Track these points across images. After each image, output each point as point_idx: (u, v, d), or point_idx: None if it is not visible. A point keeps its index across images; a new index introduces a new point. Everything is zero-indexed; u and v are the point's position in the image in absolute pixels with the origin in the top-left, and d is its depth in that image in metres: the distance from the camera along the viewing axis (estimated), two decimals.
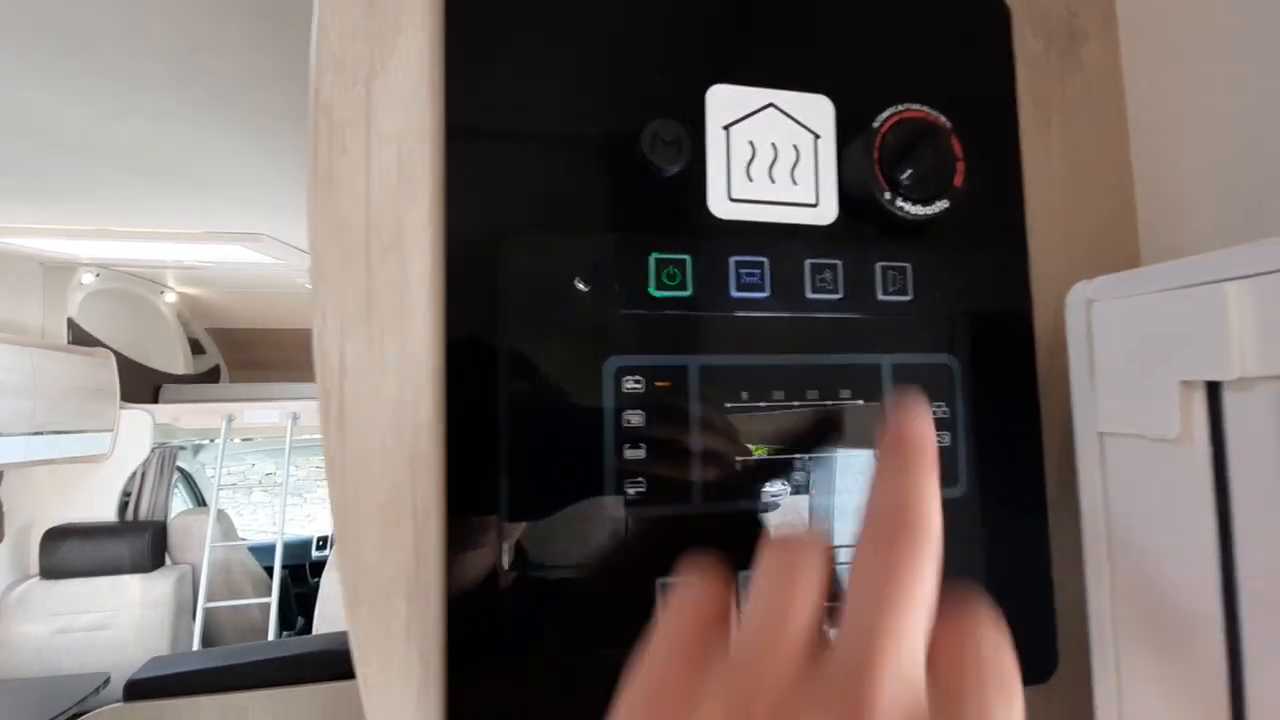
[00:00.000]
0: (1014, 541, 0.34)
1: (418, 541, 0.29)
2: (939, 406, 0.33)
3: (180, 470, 3.79)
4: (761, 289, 0.32)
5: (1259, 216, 0.34)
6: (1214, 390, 0.26)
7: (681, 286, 0.31)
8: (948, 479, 0.33)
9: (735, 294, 0.32)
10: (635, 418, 0.30)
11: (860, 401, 0.32)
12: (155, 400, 3.60)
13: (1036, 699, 0.36)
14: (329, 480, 0.29)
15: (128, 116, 1.57)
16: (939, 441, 0.33)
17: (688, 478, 0.30)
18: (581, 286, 0.30)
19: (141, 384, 3.56)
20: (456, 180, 0.30)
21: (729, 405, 0.31)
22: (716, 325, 0.31)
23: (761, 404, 0.31)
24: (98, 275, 3.36)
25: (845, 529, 0.32)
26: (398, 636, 0.29)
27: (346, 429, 0.29)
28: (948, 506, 0.33)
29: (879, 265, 0.33)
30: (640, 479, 0.29)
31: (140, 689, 1.50)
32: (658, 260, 0.31)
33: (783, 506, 0.31)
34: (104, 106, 1.51)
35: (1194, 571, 0.26)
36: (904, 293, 0.34)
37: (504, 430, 0.29)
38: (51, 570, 2.74)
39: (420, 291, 0.30)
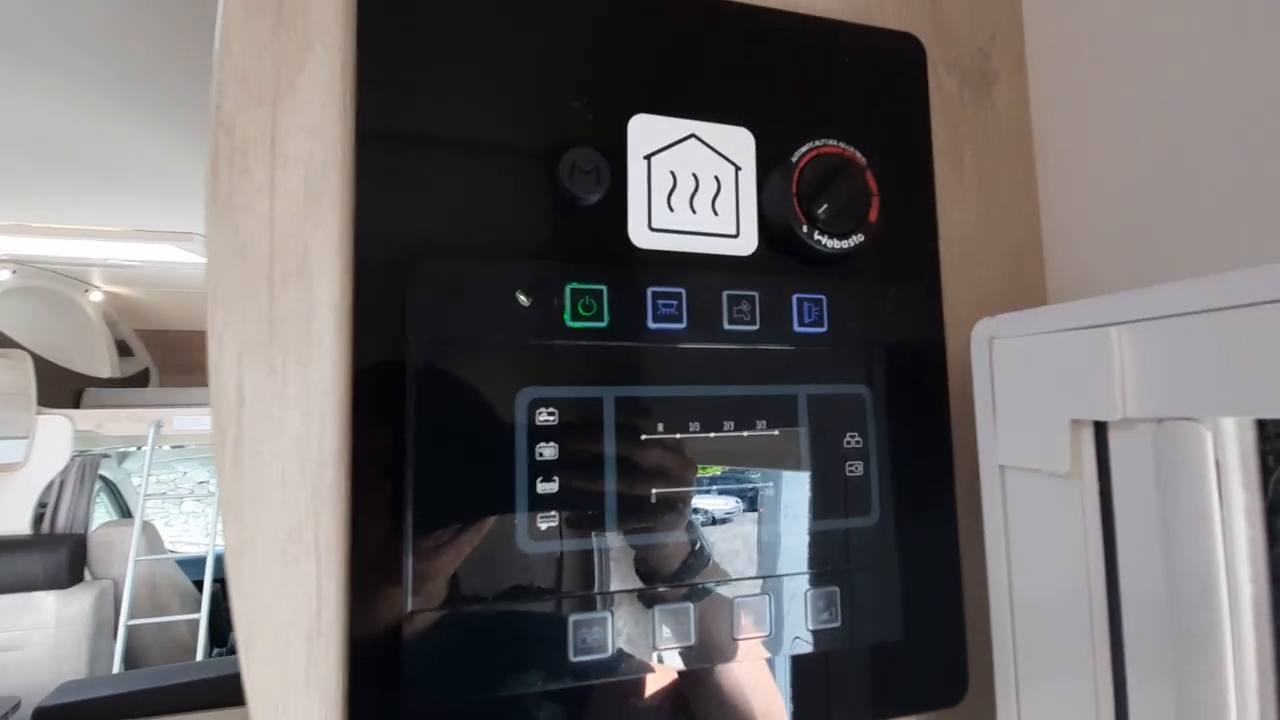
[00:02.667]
0: (926, 568, 0.35)
1: (320, 581, 0.28)
2: (852, 436, 0.34)
3: (104, 479, 3.59)
4: (679, 320, 0.32)
5: (1159, 255, 0.36)
6: (1101, 429, 0.27)
7: (598, 317, 0.31)
8: (860, 507, 0.34)
9: (652, 325, 0.32)
10: (548, 450, 0.29)
11: (775, 432, 0.33)
12: (77, 405, 3.40)
13: (951, 715, 0.37)
14: (223, 518, 0.28)
15: (48, 107, 1.48)
16: (851, 471, 0.34)
17: (602, 511, 0.30)
18: (496, 315, 0.30)
19: (62, 388, 3.36)
20: (366, 205, 0.29)
21: (645, 437, 0.31)
22: (633, 356, 0.31)
23: (678, 435, 0.31)
24: (14, 272, 3.16)
25: (765, 557, 0.32)
26: (296, 681, 0.28)
27: (244, 463, 0.28)
28: (860, 535, 0.34)
29: (795, 297, 0.34)
30: (552, 512, 0.29)
31: (50, 716, 1.41)
32: (574, 290, 0.31)
33: (701, 536, 0.31)
34: (21, 97, 1.43)
35: (1084, 600, 0.27)
36: (820, 324, 0.34)
37: (412, 464, 0.28)
38: None
39: (326, 319, 0.29)
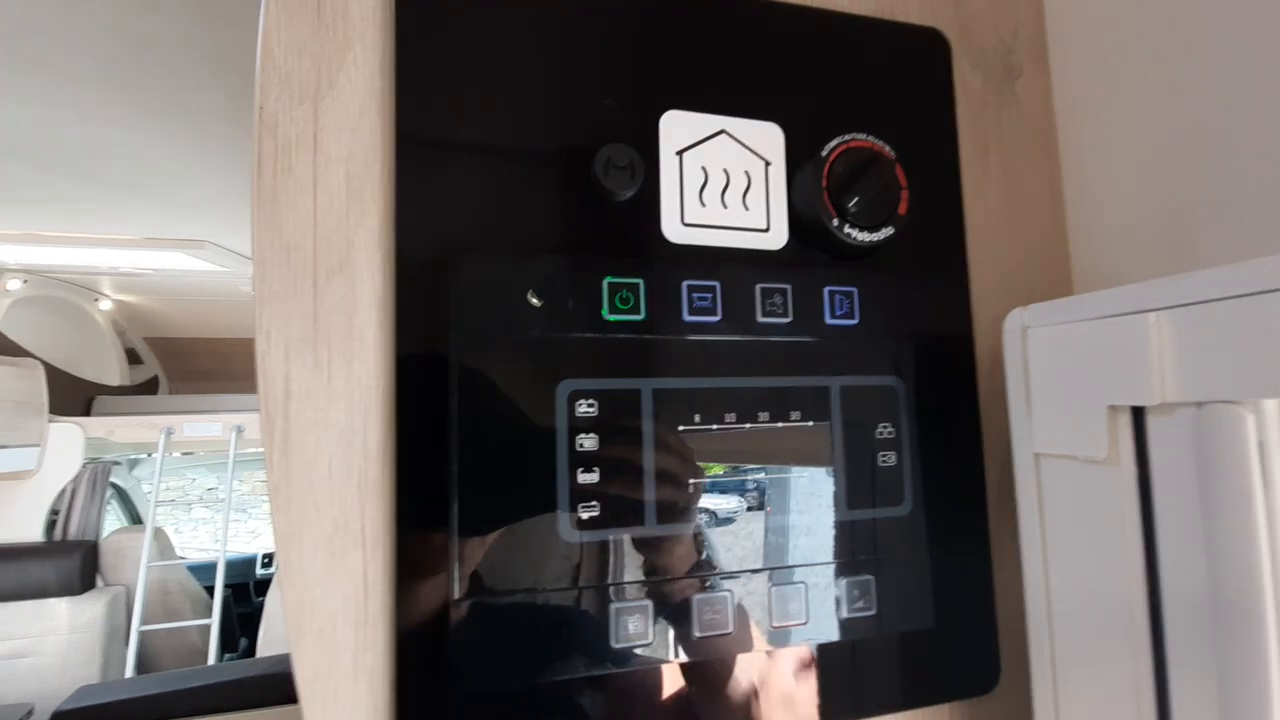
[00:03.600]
0: (957, 557, 0.35)
1: (366, 571, 0.29)
2: (885, 427, 0.34)
3: (115, 486, 3.61)
4: (713, 313, 0.32)
5: (1184, 244, 0.36)
6: (1139, 414, 0.27)
7: (634, 310, 0.31)
8: (893, 497, 0.34)
9: (688, 318, 0.32)
10: (588, 441, 0.30)
11: (809, 423, 0.33)
12: (88, 413, 3.43)
13: (980, 711, 0.37)
14: (272, 509, 0.28)
15: (58, 116, 1.50)
16: (884, 461, 0.34)
17: (641, 500, 0.30)
18: (535, 309, 0.30)
19: (73, 396, 3.38)
20: (407, 202, 0.30)
21: (682, 428, 0.31)
22: (669, 348, 0.32)
23: (714, 426, 0.32)
24: (25, 282, 3.19)
25: (800, 546, 0.32)
26: (344, 669, 0.28)
27: (291, 455, 0.28)
28: (892, 525, 0.34)
29: (827, 289, 0.34)
30: (594, 502, 0.29)
31: None
32: (611, 284, 0.31)
33: (737, 525, 0.31)
34: (32, 105, 1.44)
35: (1122, 587, 0.28)
36: (851, 316, 0.34)
37: (456, 455, 0.29)
38: None
39: (369, 314, 0.30)
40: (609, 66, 0.33)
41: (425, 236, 0.30)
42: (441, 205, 0.30)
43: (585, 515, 0.29)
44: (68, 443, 2.94)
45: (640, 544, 0.30)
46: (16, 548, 2.71)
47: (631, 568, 0.30)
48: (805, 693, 0.32)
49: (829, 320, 0.34)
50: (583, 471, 0.29)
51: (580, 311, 0.31)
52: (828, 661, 0.33)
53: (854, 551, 0.33)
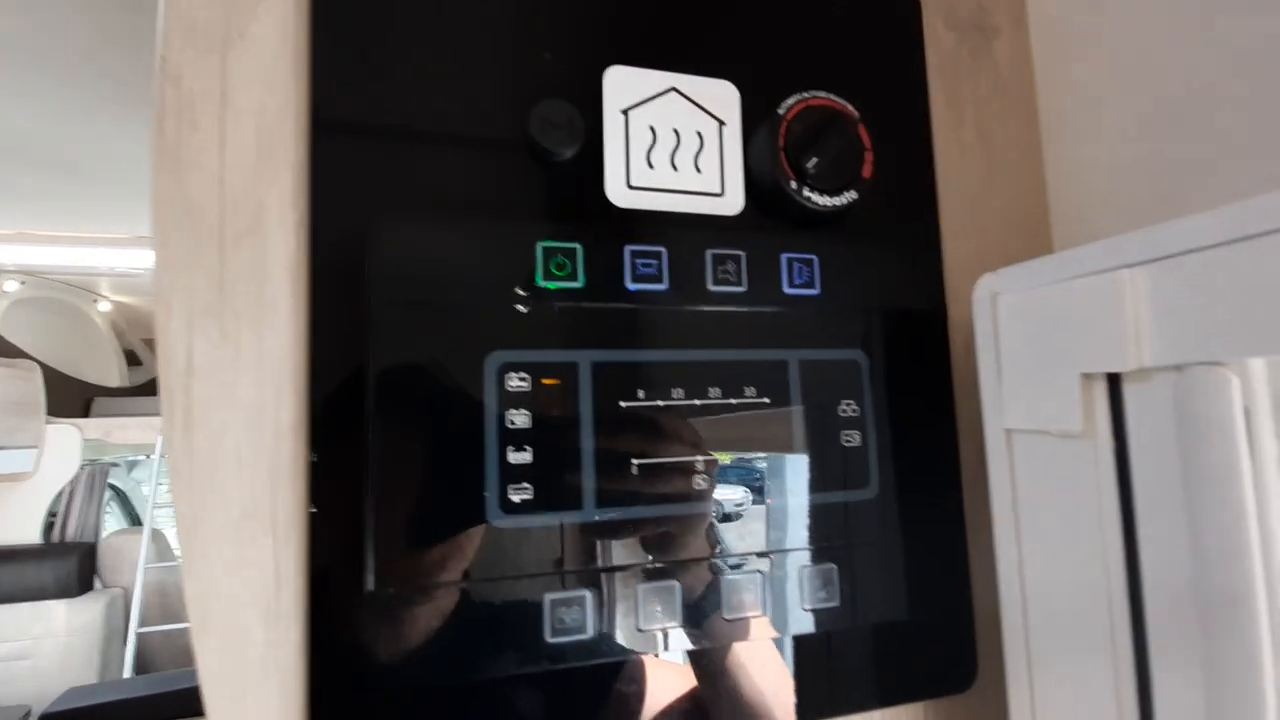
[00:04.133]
0: (929, 545, 0.33)
1: (278, 560, 0.26)
2: (848, 404, 0.32)
3: (113, 488, 3.60)
4: (659, 280, 0.30)
5: (1171, 210, 0.34)
6: (1115, 383, 0.25)
7: (572, 277, 0.29)
8: (858, 480, 0.32)
9: (631, 285, 0.30)
10: (519, 418, 0.27)
11: (766, 400, 0.31)
12: (86, 414, 3.42)
13: (956, 710, 0.35)
14: (173, 492, 0.26)
15: (46, 112, 1.48)
16: (848, 441, 0.32)
17: (578, 483, 0.28)
18: (461, 276, 0.28)
19: (71, 397, 3.38)
20: (324, 159, 0.28)
21: (624, 404, 0.29)
22: (610, 318, 0.29)
23: (660, 402, 0.29)
24: (23, 283, 3.18)
25: (756, 532, 0.30)
26: (253, 668, 0.26)
27: (194, 434, 0.26)
28: (859, 509, 0.32)
29: (785, 256, 0.32)
30: (525, 484, 0.27)
31: None
32: (546, 248, 0.29)
33: (685, 510, 0.29)
34: (20, 101, 1.43)
35: (1100, 572, 0.25)
36: (811, 286, 0.32)
37: (375, 435, 0.26)
38: None
39: (281, 281, 0.27)
40: (547, 17, 0.31)
41: (343, 197, 0.27)
42: (361, 163, 0.28)
43: (517, 499, 0.27)
44: (65, 444, 2.93)
45: (577, 530, 0.28)
46: (14, 549, 2.71)
47: (568, 556, 0.27)
48: (763, 692, 0.30)
49: (787, 290, 0.32)
50: (513, 451, 0.27)
51: (512, 278, 0.28)
52: (790, 657, 0.30)
53: (817, 538, 0.31)
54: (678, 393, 0.29)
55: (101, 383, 3.65)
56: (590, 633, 0.27)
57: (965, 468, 0.35)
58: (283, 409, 0.27)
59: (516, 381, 0.28)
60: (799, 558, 0.30)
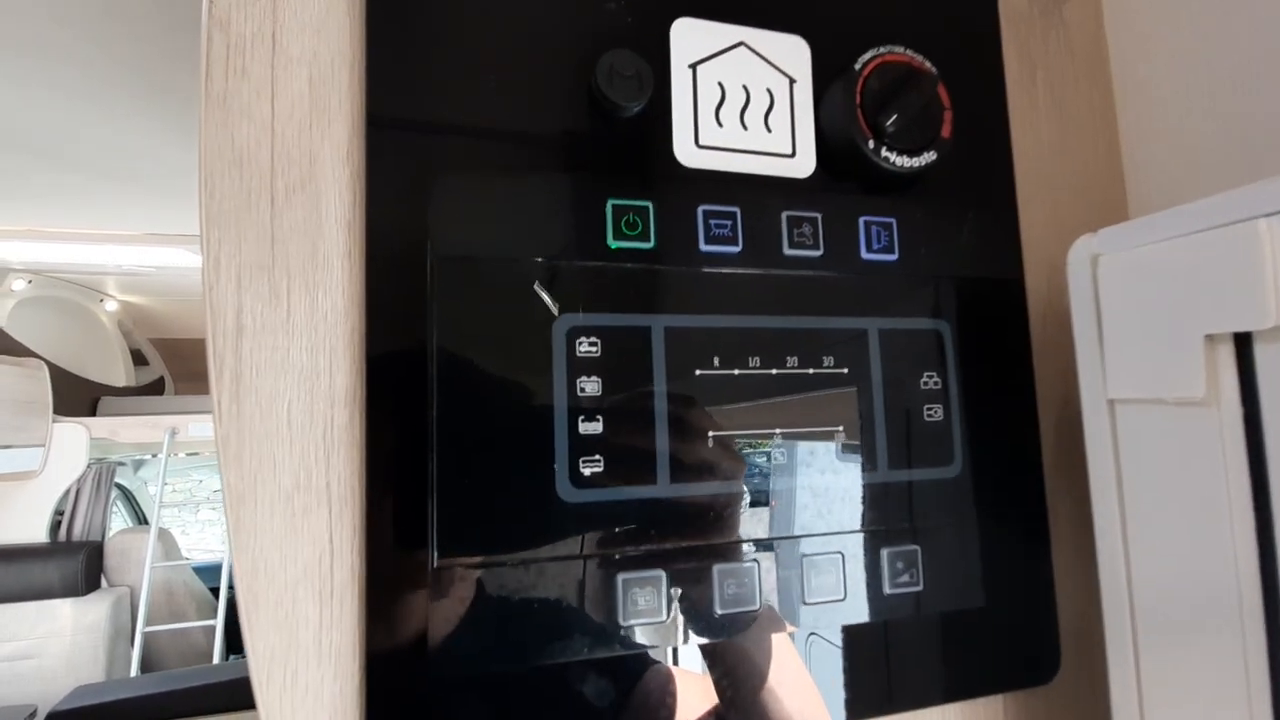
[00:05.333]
0: (1012, 528, 0.31)
1: (333, 535, 0.25)
2: (930, 377, 0.30)
3: (120, 487, 3.59)
4: (733, 242, 0.28)
5: (1249, 174, 0.32)
6: (1244, 343, 0.23)
7: (643, 237, 0.27)
8: (941, 457, 0.30)
9: (704, 247, 0.28)
10: (590, 385, 0.26)
11: (845, 370, 0.29)
12: (93, 414, 3.42)
13: (1037, 705, 0.33)
14: (222, 462, 0.24)
15: (52, 105, 1.47)
16: (930, 415, 0.30)
17: (653, 455, 0.26)
18: (527, 234, 0.26)
19: (77, 396, 3.37)
20: (381, 111, 0.26)
21: (699, 372, 0.27)
22: (683, 282, 0.27)
23: (736, 371, 0.27)
24: (30, 282, 3.18)
25: (836, 511, 0.28)
26: (306, 649, 0.24)
27: (244, 400, 0.24)
28: (939, 489, 0.30)
29: (863, 220, 0.30)
30: (597, 456, 0.25)
31: None
32: (616, 206, 0.27)
33: (765, 486, 0.27)
34: (25, 93, 1.42)
35: (1226, 553, 0.23)
36: (890, 251, 0.30)
37: (437, 401, 0.24)
38: None
39: (335, 237, 0.26)
40: None
41: (401, 150, 0.26)
42: (420, 114, 0.26)
43: (587, 471, 0.25)
44: (72, 443, 2.92)
45: (652, 506, 0.26)
46: (20, 548, 2.70)
47: (642, 533, 0.26)
48: (840, 680, 0.28)
49: (865, 255, 0.30)
50: (584, 421, 0.25)
51: (581, 237, 0.27)
52: (866, 645, 0.28)
53: (897, 519, 0.29)
54: (754, 361, 0.28)
55: (108, 382, 3.64)
56: (664, 616, 0.25)
57: (1045, 446, 0.33)
58: (337, 374, 0.25)
59: (587, 347, 0.26)
60: (879, 538, 0.28)
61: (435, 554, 0.24)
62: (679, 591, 0.26)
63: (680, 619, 0.26)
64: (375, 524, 0.24)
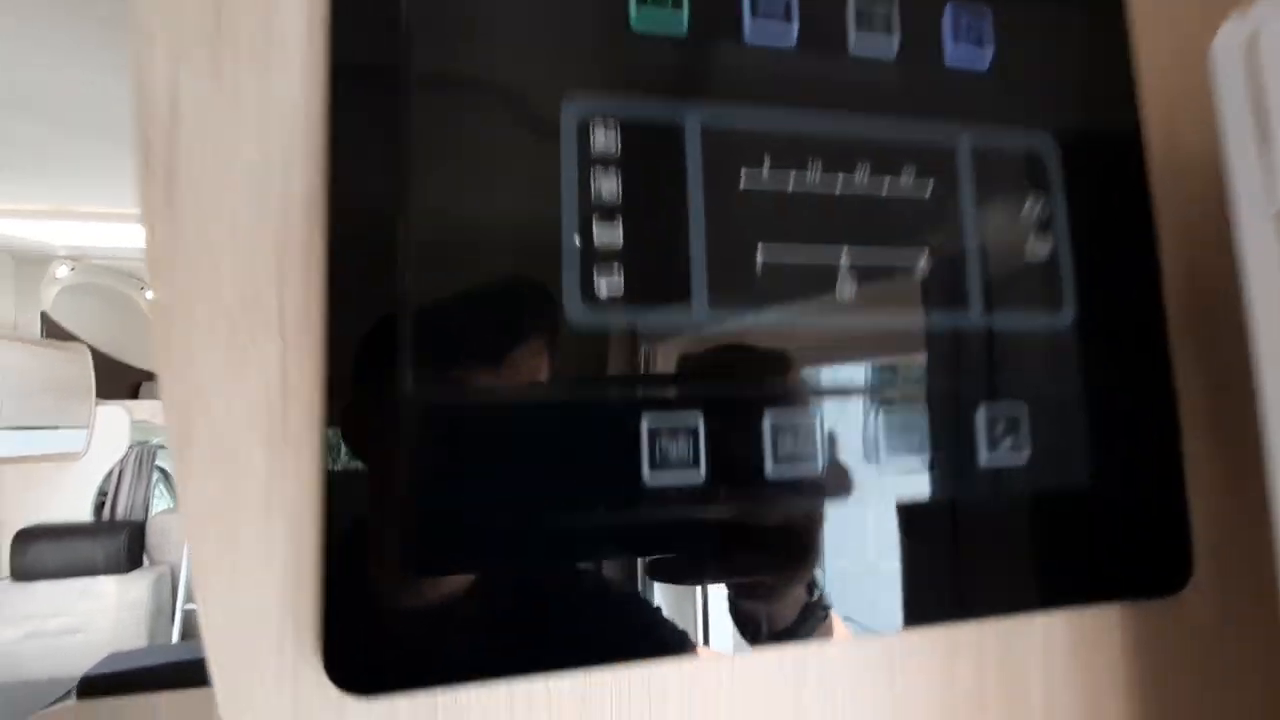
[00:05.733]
0: (1135, 394, 0.25)
1: (286, 367, 0.20)
2: (1035, 202, 0.24)
3: (161, 470, 3.67)
4: (787, 18, 0.22)
5: None
6: None
7: (675, 12, 0.22)
8: (1048, 301, 0.24)
9: (751, 26, 0.22)
10: (608, 184, 0.20)
11: (929, 186, 0.23)
12: (135, 398, 3.49)
13: (1160, 623, 0.27)
14: (151, 276, 0.20)
15: (85, 70, 1.46)
16: (1035, 250, 0.24)
17: (687, 272, 0.20)
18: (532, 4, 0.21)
19: (119, 381, 3.45)
20: None
21: (745, 179, 0.21)
22: (724, 67, 0.22)
23: (791, 180, 0.22)
24: (73, 269, 3.25)
25: (919, 358, 0.22)
26: (251, 504, 0.19)
27: (179, 201, 0.20)
28: (1047, 339, 0.24)
29: (950, 7, 0.24)
30: (615, 268, 0.20)
31: (96, 686, 1.39)
32: None
33: (829, 320, 0.22)
34: (60, 57, 1.41)
35: None
36: (982, 45, 0.24)
37: (415, 200, 0.19)
38: (22, 572, 2.63)
39: (293, 5, 0.21)
40: None
41: None
42: None
43: (604, 288, 0.20)
44: (114, 425, 2.99)
45: (685, 335, 0.20)
46: (66, 527, 2.77)
47: (672, 368, 0.20)
48: (916, 571, 0.22)
49: (951, 48, 0.24)
50: (600, 224, 0.20)
51: (598, 11, 0.21)
52: (951, 528, 0.23)
53: (997, 375, 0.23)
54: (814, 167, 0.22)
55: (149, 368, 3.72)
56: (703, 475, 0.20)
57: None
58: (294, 173, 0.20)
59: (603, 136, 0.20)
60: (974, 395, 0.23)
61: (411, 385, 0.19)
62: (720, 445, 0.20)
63: (720, 479, 0.20)
64: (338, 354, 0.19)
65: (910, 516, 0.22)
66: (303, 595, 0.19)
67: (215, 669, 0.19)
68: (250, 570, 0.19)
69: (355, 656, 0.18)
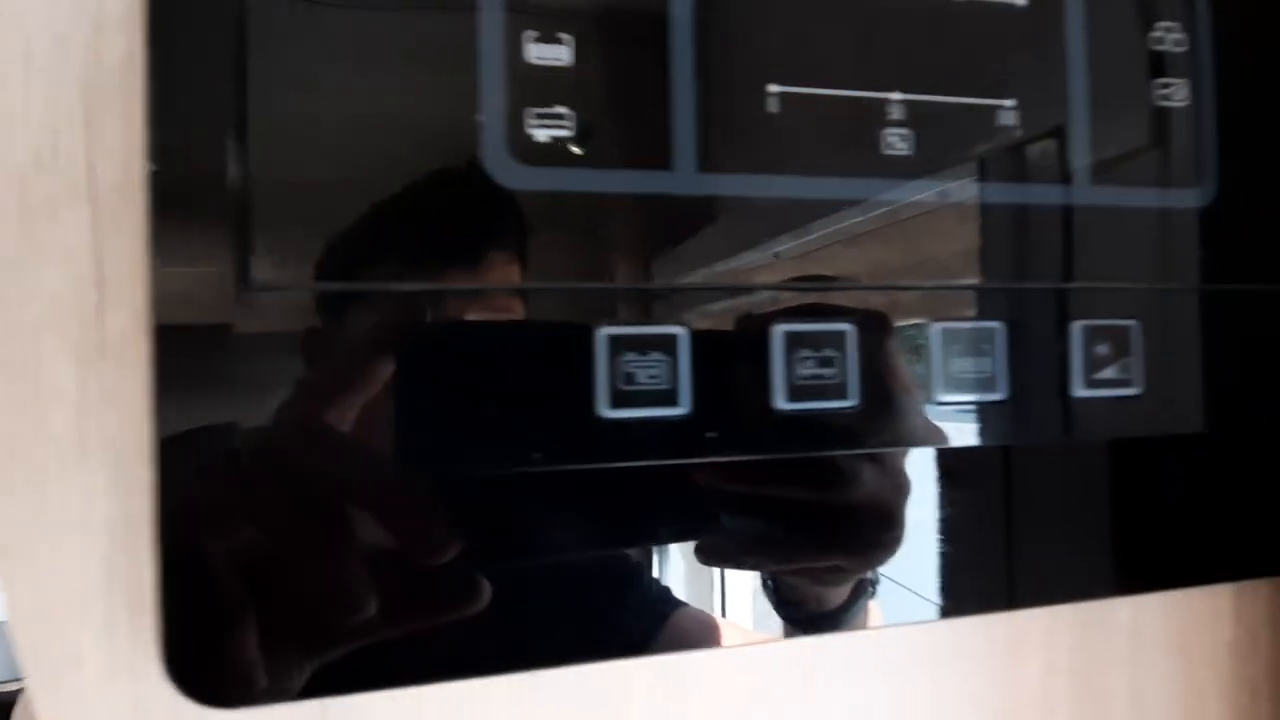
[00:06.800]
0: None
1: (100, 246, 0.14)
2: (1167, 30, 0.17)
3: None
4: None
5: None
6: None
7: None
8: (1180, 169, 0.17)
9: None
10: None
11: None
12: None
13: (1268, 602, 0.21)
14: None
15: None
16: (1163, 95, 0.17)
17: (666, 115, 0.14)
18: None
19: None
20: None
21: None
22: None
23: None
24: None
25: (987, 251, 0.16)
26: (61, 441, 0.14)
27: None
28: (1180, 224, 0.17)
29: None
30: (561, 113, 0.14)
31: None
32: None
33: (859, 196, 0.15)
34: None
35: None
36: None
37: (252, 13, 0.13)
38: None
39: None
40: None
41: None
42: None
43: (542, 135, 0.14)
44: None
45: (664, 207, 0.14)
46: None
47: (645, 253, 0.14)
48: (971, 543, 0.17)
49: None
50: (538, 43, 0.14)
51: None
52: (1034, 483, 0.17)
53: (1101, 272, 0.17)
54: None
55: None
56: (682, 404, 0.14)
57: None
58: None
59: None
60: (1069, 303, 0.16)
61: (264, 266, 0.13)
62: (711, 367, 0.14)
63: (711, 413, 0.14)
64: (164, 220, 0.14)
65: (968, 468, 0.16)
66: (136, 566, 0.14)
67: (28, 668, 0.14)
68: (63, 535, 0.14)
69: (207, 655, 0.13)
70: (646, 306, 0.14)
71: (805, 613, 0.16)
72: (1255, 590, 0.20)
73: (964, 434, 0.16)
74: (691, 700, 0.16)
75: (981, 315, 0.16)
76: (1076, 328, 0.16)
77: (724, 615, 0.16)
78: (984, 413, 0.15)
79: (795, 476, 0.15)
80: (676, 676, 0.16)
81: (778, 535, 0.16)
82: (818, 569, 0.15)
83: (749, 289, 0.15)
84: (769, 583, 0.15)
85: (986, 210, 0.16)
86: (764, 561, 0.16)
